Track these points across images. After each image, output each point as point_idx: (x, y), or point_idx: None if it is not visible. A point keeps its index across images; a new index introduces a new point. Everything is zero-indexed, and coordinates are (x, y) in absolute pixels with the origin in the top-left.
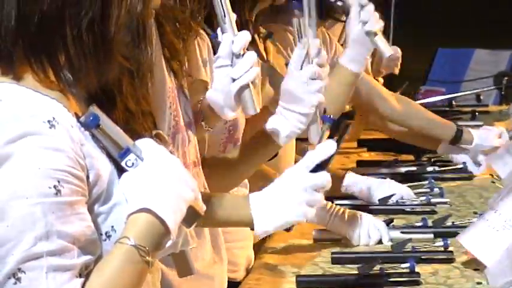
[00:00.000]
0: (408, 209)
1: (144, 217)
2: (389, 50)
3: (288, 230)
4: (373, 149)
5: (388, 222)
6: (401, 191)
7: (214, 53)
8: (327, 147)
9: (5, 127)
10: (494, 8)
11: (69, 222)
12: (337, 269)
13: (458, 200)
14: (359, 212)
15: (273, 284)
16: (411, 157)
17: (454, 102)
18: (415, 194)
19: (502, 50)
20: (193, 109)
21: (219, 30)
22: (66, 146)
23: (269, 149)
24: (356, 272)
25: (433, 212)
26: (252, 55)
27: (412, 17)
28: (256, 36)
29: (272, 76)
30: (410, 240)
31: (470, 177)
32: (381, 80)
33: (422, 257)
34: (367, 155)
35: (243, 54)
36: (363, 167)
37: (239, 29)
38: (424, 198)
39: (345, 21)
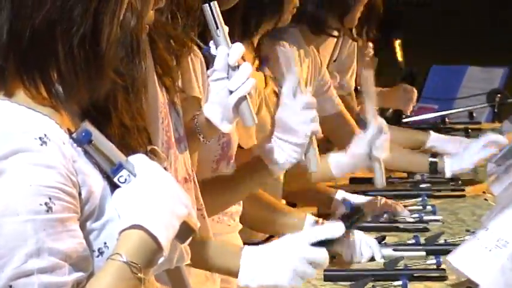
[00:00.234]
0: (401, 226)
1: (136, 233)
2: (383, 182)
3: None
4: None
5: (380, 240)
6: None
7: (207, 67)
8: (336, 228)
9: None
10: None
11: (60, 239)
12: (330, 286)
13: (450, 218)
14: (351, 229)
15: None
16: (404, 174)
17: (447, 119)
18: (408, 211)
19: (495, 68)
20: (189, 124)
21: (211, 43)
22: (57, 163)
23: (263, 177)
24: None
25: (426, 230)
26: (247, 66)
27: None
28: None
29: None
30: (402, 257)
31: (462, 195)
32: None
33: (415, 275)
34: (359, 172)
35: (238, 66)
36: (356, 184)
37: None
38: (416, 215)
39: (337, 37)
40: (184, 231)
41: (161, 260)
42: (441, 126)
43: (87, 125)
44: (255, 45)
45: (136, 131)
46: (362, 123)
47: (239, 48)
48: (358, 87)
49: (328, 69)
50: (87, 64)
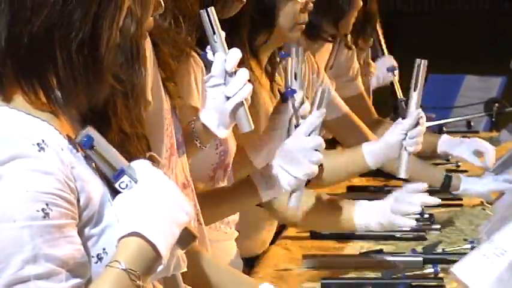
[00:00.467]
0: (398, 235)
1: (134, 241)
2: (406, 174)
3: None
4: (363, 175)
5: (379, 251)
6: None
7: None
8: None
9: None
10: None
11: (57, 245)
12: None
13: (448, 227)
14: None
15: None
16: (401, 183)
17: (444, 128)
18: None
19: (492, 77)
20: (185, 130)
21: (208, 49)
22: (55, 169)
23: (252, 200)
24: None
25: (424, 239)
26: (244, 72)
27: (403, 43)
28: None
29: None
30: (400, 266)
31: (460, 204)
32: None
33: (413, 284)
34: (356, 180)
35: (235, 72)
36: (353, 192)
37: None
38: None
39: (333, 42)
40: (186, 237)
41: (160, 267)
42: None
43: (90, 130)
44: (262, 60)
45: (136, 138)
46: (402, 110)
47: (236, 53)
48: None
49: (325, 75)
50: (86, 69)
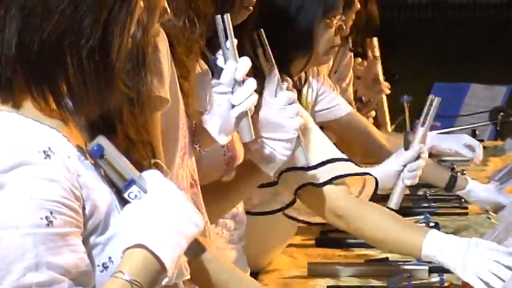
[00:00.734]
0: None
1: (140, 253)
2: (397, 205)
3: None
4: None
5: (385, 259)
6: None
7: (212, 75)
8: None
9: (0, 156)
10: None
11: (60, 253)
12: None
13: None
14: None
15: None
16: (407, 191)
17: None
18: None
19: (497, 85)
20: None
21: (219, 54)
22: (60, 177)
23: (258, 180)
24: None
25: None
26: (252, 82)
27: (409, 51)
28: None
29: None
30: (406, 275)
31: (465, 212)
32: (373, 113)
33: None
34: None
35: (243, 81)
36: None
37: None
38: None
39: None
40: (195, 249)
41: (165, 280)
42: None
43: (101, 139)
44: (293, 75)
45: (141, 145)
46: (406, 142)
47: (246, 63)
48: (363, 98)
49: (328, 82)
50: (97, 76)
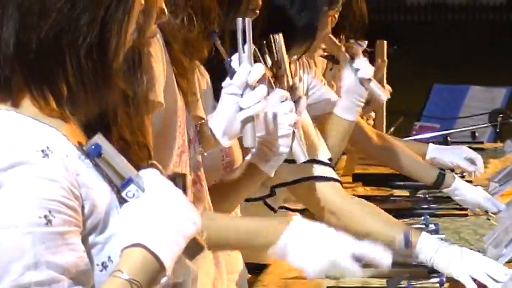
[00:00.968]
0: None
1: (138, 252)
2: (386, 94)
3: None
4: (368, 184)
5: None
6: None
7: (224, 77)
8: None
9: None
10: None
11: (59, 252)
12: None
13: (453, 237)
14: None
15: None
16: (406, 193)
17: (449, 139)
18: None
19: (497, 87)
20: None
21: (234, 57)
22: (59, 176)
23: (259, 180)
24: None
25: None
26: (263, 89)
27: (408, 53)
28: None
29: None
30: (405, 276)
31: (465, 214)
32: (373, 114)
33: None
34: (362, 190)
35: (254, 87)
36: (359, 181)
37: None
38: None
39: None
40: (193, 248)
41: (164, 279)
42: (443, 146)
43: (99, 138)
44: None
45: (137, 146)
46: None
47: (261, 69)
48: None
49: (325, 78)
50: (95, 74)
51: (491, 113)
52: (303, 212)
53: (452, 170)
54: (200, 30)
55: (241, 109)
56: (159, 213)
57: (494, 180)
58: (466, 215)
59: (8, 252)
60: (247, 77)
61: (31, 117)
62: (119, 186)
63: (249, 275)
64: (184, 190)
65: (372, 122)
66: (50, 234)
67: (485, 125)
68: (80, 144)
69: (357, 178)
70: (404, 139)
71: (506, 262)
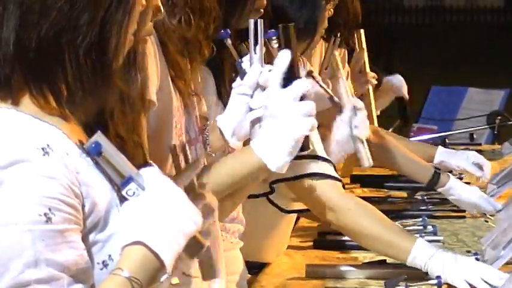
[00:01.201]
0: None
1: (138, 250)
2: (368, 161)
3: (303, 149)
4: (366, 186)
5: (383, 261)
6: None
7: (235, 78)
8: (283, 57)
9: None
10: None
11: (59, 250)
12: None
13: (451, 239)
14: None
15: None
16: (404, 194)
17: (447, 141)
18: (408, 231)
19: (495, 90)
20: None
21: (245, 58)
22: (59, 174)
23: (262, 176)
24: None
25: None
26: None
27: (406, 55)
28: None
29: None
30: (403, 277)
31: (463, 216)
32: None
33: None
34: (359, 191)
35: (264, 87)
36: (357, 182)
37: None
38: (417, 235)
39: (325, 40)
40: (193, 246)
41: (164, 277)
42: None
43: (99, 136)
44: None
45: (132, 144)
46: (338, 107)
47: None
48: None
49: (320, 76)
50: (94, 73)
51: (490, 115)
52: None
53: (451, 171)
54: (198, 29)
55: (251, 109)
56: (160, 211)
57: (492, 182)
58: (464, 217)
59: (7, 250)
60: (258, 78)
61: (31, 116)
62: (119, 184)
63: (248, 275)
64: None
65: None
66: (50, 232)
67: (483, 127)
68: (80, 143)
69: (355, 179)
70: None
71: (504, 264)
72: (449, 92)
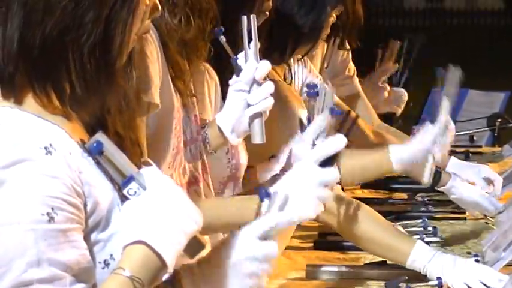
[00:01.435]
0: None
1: (140, 249)
2: (428, 180)
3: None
4: (366, 186)
5: (383, 262)
6: None
7: (231, 75)
8: (337, 141)
9: (1, 153)
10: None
11: (61, 249)
12: None
13: (451, 240)
14: None
15: None
16: (405, 195)
17: None
18: (408, 232)
19: (495, 92)
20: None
21: (241, 54)
22: (62, 173)
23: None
24: None
25: None
26: (270, 85)
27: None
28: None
29: None
30: (403, 278)
31: (463, 217)
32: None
33: None
34: (360, 192)
35: (261, 83)
36: (367, 189)
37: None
38: (417, 236)
39: (325, 41)
40: (194, 246)
41: (166, 276)
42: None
43: (100, 136)
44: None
45: (130, 142)
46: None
47: (267, 65)
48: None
49: (321, 76)
50: (98, 72)
51: (490, 117)
52: None
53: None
54: (197, 30)
55: (249, 105)
56: (161, 210)
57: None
58: (465, 219)
59: (10, 249)
60: (254, 74)
61: (34, 115)
62: (121, 183)
63: None
64: None
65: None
66: (52, 231)
67: (483, 129)
68: (82, 142)
69: None
70: None
71: (505, 266)
72: None
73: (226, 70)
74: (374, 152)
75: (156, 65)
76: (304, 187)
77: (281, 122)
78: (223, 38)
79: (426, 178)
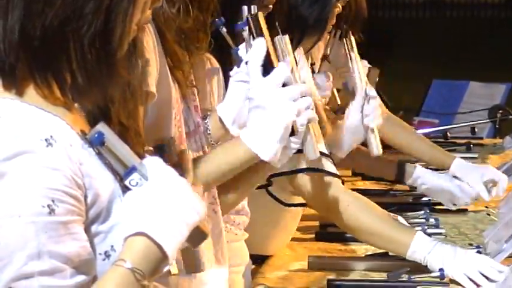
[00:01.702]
0: None
1: (141, 241)
2: (378, 150)
3: (292, 134)
4: (367, 178)
5: (385, 253)
6: None
7: (231, 67)
8: (258, 46)
9: (2, 145)
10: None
11: (62, 242)
12: None
13: (453, 232)
14: None
15: None
16: (406, 187)
17: (448, 134)
18: (410, 224)
19: (496, 83)
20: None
21: (241, 46)
22: (62, 165)
23: (266, 174)
24: None
25: None
26: None
27: (407, 50)
28: None
29: None
30: (406, 269)
31: (465, 209)
32: None
33: (418, 287)
34: (361, 184)
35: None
36: (358, 176)
37: None
38: (419, 228)
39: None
40: (196, 236)
41: (166, 268)
42: (443, 141)
43: (102, 127)
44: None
45: (133, 132)
46: (350, 94)
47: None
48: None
49: (322, 69)
50: (98, 63)
51: (491, 109)
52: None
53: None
54: (196, 20)
55: (249, 98)
56: (163, 201)
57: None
58: (466, 210)
59: (11, 242)
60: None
61: (35, 106)
62: (122, 174)
63: (252, 266)
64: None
65: None
66: (53, 223)
67: (484, 121)
68: (82, 133)
69: (357, 172)
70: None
71: (507, 257)
72: (451, 86)
73: (227, 61)
74: None
75: (153, 54)
76: (270, 97)
77: None
78: (224, 29)
79: (374, 151)
